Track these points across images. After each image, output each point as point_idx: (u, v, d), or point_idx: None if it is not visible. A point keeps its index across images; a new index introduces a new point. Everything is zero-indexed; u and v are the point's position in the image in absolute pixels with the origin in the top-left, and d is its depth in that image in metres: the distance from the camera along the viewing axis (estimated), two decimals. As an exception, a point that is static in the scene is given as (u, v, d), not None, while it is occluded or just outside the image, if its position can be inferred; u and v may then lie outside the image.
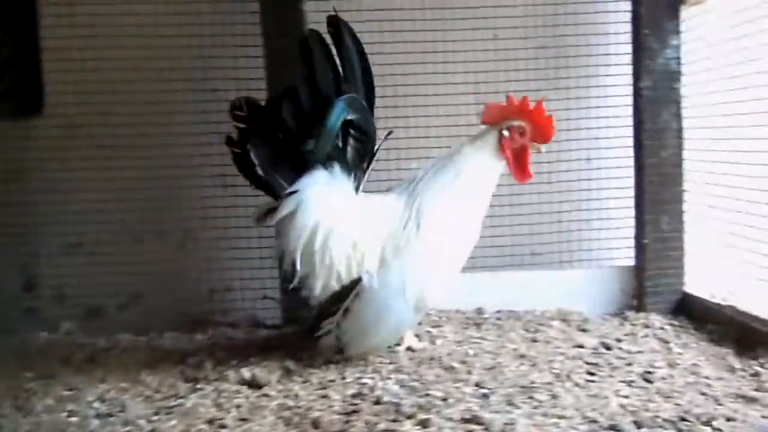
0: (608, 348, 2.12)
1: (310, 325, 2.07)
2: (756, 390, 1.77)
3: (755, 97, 2.08)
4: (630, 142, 2.54)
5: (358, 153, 2.07)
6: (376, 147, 2.08)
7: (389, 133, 2.13)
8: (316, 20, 2.23)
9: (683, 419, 1.58)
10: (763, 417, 1.61)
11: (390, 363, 2.01)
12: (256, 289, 2.59)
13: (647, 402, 1.70)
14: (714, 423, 1.56)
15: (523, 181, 2.04)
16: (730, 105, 2.22)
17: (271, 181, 1.98)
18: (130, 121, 2.55)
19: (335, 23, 2.00)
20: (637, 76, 2.48)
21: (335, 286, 1.98)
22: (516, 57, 2.61)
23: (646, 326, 2.38)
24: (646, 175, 2.46)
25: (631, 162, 2.54)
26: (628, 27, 2.52)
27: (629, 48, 2.51)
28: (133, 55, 2.58)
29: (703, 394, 1.75)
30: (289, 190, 1.96)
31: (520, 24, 2.59)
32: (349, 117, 1.98)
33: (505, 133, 1.98)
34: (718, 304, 2.31)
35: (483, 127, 2.05)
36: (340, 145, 2.04)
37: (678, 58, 2.44)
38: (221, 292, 2.65)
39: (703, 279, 2.46)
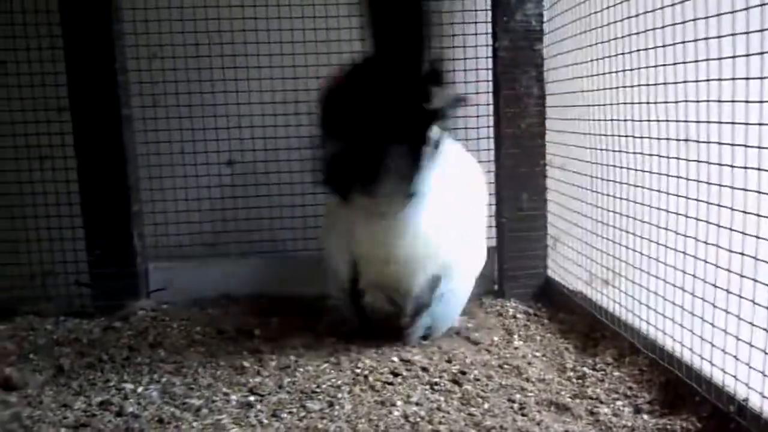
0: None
1: (404, 322, 1.85)
2: (573, 397, 1.54)
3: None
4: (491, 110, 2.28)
5: None
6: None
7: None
8: None
9: (464, 436, 1.35)
10: (566, 431, 1.38)
11: (173, 363, 1.76)
12: (70, 273, 2.32)
13: (436, 411, 1.46)
14: (500, 439, 1.33)
15: None
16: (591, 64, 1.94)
17: None
18: None
19: None
20: (494, 36, 2.20)
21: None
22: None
23: (499, 314, 2.15)
24: (504, 148, 2.20)
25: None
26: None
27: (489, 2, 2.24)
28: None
29: (511, 400, 1.52)
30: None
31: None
32: None
33: None
34: (572, 291, 2.08)
35: None
36: None
37: (540, 14, 2.16)
38: (42, 276, 2.38)
39: (568, 262, 2.21)
